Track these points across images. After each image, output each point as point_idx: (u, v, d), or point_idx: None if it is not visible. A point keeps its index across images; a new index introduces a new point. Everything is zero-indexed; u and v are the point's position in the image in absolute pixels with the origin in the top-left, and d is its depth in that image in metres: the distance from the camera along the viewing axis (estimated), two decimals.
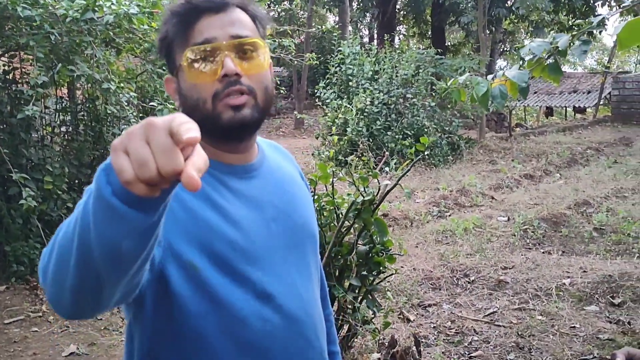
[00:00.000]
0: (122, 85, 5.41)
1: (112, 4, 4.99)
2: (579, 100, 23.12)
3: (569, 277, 5.97)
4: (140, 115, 5.97)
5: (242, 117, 1.28)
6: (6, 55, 6.05)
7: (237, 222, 1.30)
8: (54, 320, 5.19)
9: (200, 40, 1.27)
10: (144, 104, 6.08)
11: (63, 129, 6.82)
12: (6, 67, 6.17)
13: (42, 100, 6.31)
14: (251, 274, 1.30)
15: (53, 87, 6.33)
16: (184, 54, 1.26)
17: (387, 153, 5.08)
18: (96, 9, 4.92)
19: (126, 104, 5.40)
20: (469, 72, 13.82)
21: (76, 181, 6.51)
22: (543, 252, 6.98)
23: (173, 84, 1.35)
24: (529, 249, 7.15)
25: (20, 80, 6.27)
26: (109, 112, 5.76)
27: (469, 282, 6.00)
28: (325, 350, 1.48)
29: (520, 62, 2.57)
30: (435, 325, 5.03)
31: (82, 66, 5.16)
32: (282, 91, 19.57)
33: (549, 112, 25.62)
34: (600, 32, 23.35)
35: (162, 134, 0.79)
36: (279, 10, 24.01)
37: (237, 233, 1.29)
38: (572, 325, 4.94)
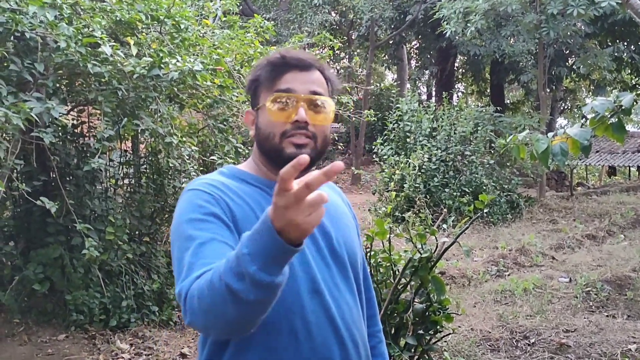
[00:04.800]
0: (184, 139, 5.53)
1: (177, 61, 5.15)
2: None
3: (634, 342, 5.73)
4: (201, 169, 6.08)
5: (302, 154, 1.45)
6: (75, 109, 6.29)
7: None
8: None
9: (284, 88, 1.61)
10: (205, 158, 6.20)
11: (126, 181, 6.98)
12: (75, 121, 6.40)
13: (108, 153, 6.50)
14: (307, 272, 1.60)
15: (118, 141, 6.51)
16: (271, 96, 1.60)
17: (445, 210, 5.03)
18: (162, 65, 5.08)
19: (187, 157, 5.52)
20: (529, 129, 13.69)
21: (137, 232, 6.64)
22: (607, 316, 6.73)
23: (252, 116, 1.72)
24: (592, 311, 6.90)
25: (87, 134, 6.48)
26: (170, 165, 5.88)
27: (528, 345, 5.82)
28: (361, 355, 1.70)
29: (582, 120, 2.53)
30: None
31: (146, 120, 5.32)
32: (339, 147, 19.72)
33: (612, 171, 25.06)
34: None
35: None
36: (339, 67, 24.37)
37: None
38: None
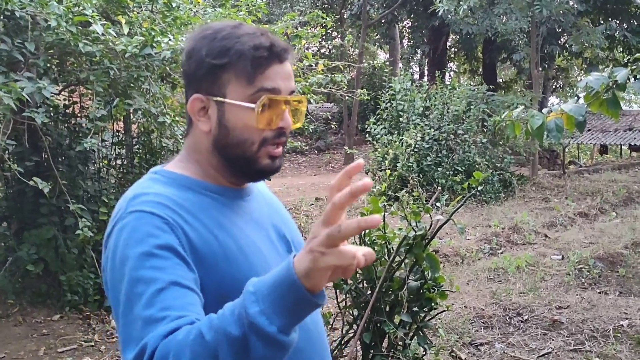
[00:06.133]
0: (177, 119, 5.51)
1: (170, 40, 5.12)
2: (634, 138, 22.62)
3: (627, 318, 5.78)
4: None
5: (276, 167, 1.40)
6: (66, 89, 6.25)
7: (252, 246, 1.38)
8: (106, 350, 5.25)
9: (270, 87, 1.33)
10: None
11: (119, 161, 6.97)
12: (66, 101, 6.37)
13: (100, 133, 6.48)
14: None
15: (110, 121, 6.49)
16: (261, 99, 1.32)
17: (439, 188, 5.04)
18: (154, 44, 5.05)
19: (181, 137, 5.50)
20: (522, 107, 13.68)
21: None
22: (599, 292, 6.78)
23: (201, 104, 1.37)
24: (585, 288, 6.95)
25: (79, 114, 6.45)
26: (163, 145, 5.88)
27: (522, 322, 5.86)
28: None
29: (576, 98, 2.53)
30: None
31: (139, 100, 5.29)
32: (332, 127, 19.70)
33: (604, 150, 25.15)
34: None
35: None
36: (331, 46, 24.27)
37: (255, 259, 1.36)
38: None
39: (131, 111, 5.64)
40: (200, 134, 1.39)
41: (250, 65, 1.32)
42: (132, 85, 5.47)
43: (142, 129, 6.83)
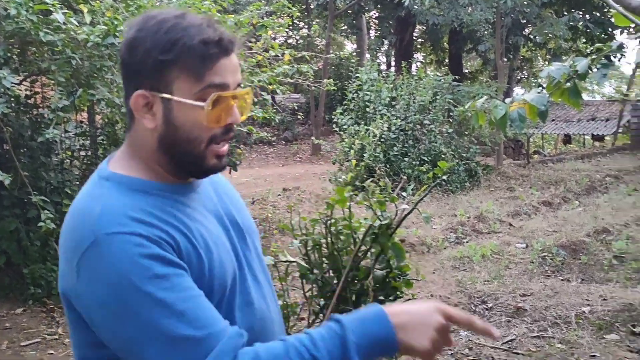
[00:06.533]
0: None
1: None
2: (597, 128, 23.01)
3: (588, 305, 5.89)
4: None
5: (222, 166, 1.37)
6: (28, 80, 6.14)
7: (217, 241, 1.38)
8: (70, 344, 5.18)
9: (219, 82, 1.27)
10: None
11: (82, 152, 6.88)
12: (28, 92, 6.26)
13: (63, 124, 6.38)
14: (234, 288, 1.38)
15: (73, 112, 6.39)
16: (210, 96, 1.26)
17: (405, 177, 5.07)
18: (117, 34, 4.99)
19: None
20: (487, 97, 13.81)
21: None
22: (562, 280, 6.90)
23: (145, 100, 1.29)
24: (548, 276, 7.07)
25: (41, 105, 6.35)
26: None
27: (486, 309, 5.94)
28: None
29: (539, 88, 2.56)
30: (452, 352, 4.98)
31: (102, 90, 5.23)
32: (300, 117, 19.68)
33: (567, 139, 25.52)
34: (619, 60, 23.32)
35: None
36: (298, 37, 24.21)
37: (223, 255, 1.37)
38: (592, 354, 4.86)
39: (95, 102, 5.55)
40: (144, 130, 1.32)
41: (199, 62, 1.25)
42: (95, 75, 5.39)
43: (106, 120, 6.75)
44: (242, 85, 1.35)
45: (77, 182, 6.29)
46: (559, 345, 5.04)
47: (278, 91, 7.27)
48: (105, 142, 6.82)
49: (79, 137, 6.72)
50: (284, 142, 23.04)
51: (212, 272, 1.31)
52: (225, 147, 1.34)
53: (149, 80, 1.28)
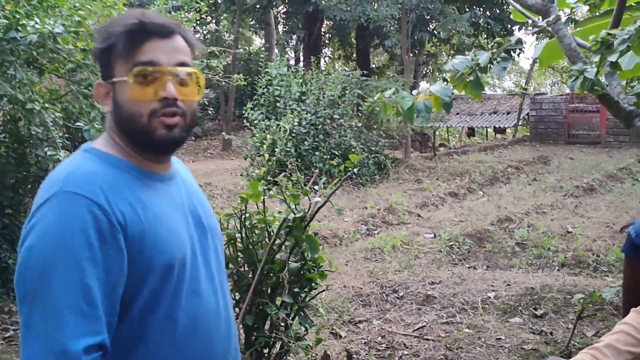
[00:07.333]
0: (46, 105, 5.28)
1: (36, 23, 4.90)
2: (499, 120, 23.87)
3: (493, 290, 6.14)
4: (67, 136, 5.84)
5: (173, 137, 1.47)
6: None
7: (170, 226, 1.48)
8: None
9: (146, 60, 1.43)
10: (70, 125, 5.96)
11: None
12: None
13: None
14: (183, 274, 1.47)
15: None
16: (132, 71, 1.42)
17: (317, 171, 5.14)
18: (19, 28, 4.82)
19: (52, 124, 5.28)
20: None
21: None
22: (468, 267, 7.16)
23: (105, 89, 1.49)
24: (455, 264, 7.31)
25: None
26: (32, 133, 5.61)
27: (398, 298, 6.09)
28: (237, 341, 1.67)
29: (443, 81, 2.66)
30: (366, 340, 5.08)
31: (4, 86, 5.04)
32: (209, 112, 19.49)
33: (471, 132, 26.34)
34: (518, 55, 24.26)
35: None
36: (206, 31, 23.94)
37: (171, 238, 1.46)
38: (498, 337, 5.07)
39: None
40: (108, 115, 1.50)
41: (126, 44, 1.42)
42: None
43: (9, 117, 6.49)
44: (188, 65, 1.48)
45: None
46: (467, 330, 5.24)
47: None
48: (7, 139, 6.55)
49: None
50: (193, 138, 22.75)
51: (155, 248, 1.41)
52: (174, 119, 1.45)
53: (102, 71, 1.50)
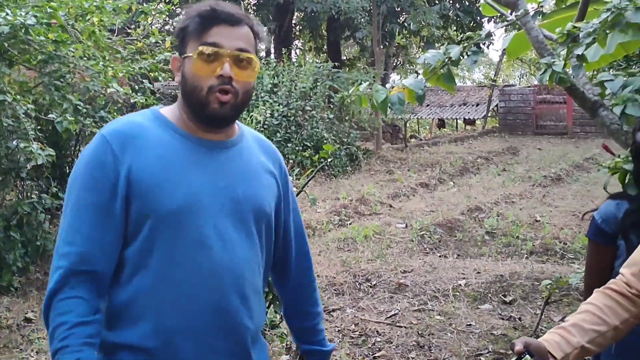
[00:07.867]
0: (18, 97, 5.26)
1: (7, 14, 4.87)
2: (468, 112, 24.10)
3: (464, 278, 6.26)
4: (39, 127, 5.81)
5: (224, 112, 1.67)
6: None
7: (184, 180, 1.65)
8: None
9: (210, 41, 1.64)
10: (42, 117, 5.93)
11: None
12: None
13: None
14: (188, 222, 1.63)
15: None
16: (198, 49, 1.63)
17: (291, 162, 5.20)
18: None
19: (23, 116, 5.26)
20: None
21: None
22: (440, 256, 7.28)
23: (178, 63, 1.72)
24: (427, 253, 7.43)
25: None
26: (4, 124, 5.58)
27: (370, 287, 6.19)
28: (250, 307, 1.73)
29: (416, 75, 2.74)
30: (339, 328, 5.17)
31: None
32: None
33: (441, 124, 26.55)
34: (488, 47, 24.49)
35: None
36: (177, 23, 23.75)
37: (181, 189, 1.64)
38: (468, 323, 5.20)
39: None
40: (179, 86, 1.72)
41: (198, 26, 1.66)
42: None
43: None
44: (248, 52, 1.67)
45: None
46: (438, 317, 5.35)
47: (160, 78, 7.19)
48: None
49: None
50: None
51: (160, 193, 1.61)
52: (226, 96, 1.65)
53: (179, 47, 1.73)
